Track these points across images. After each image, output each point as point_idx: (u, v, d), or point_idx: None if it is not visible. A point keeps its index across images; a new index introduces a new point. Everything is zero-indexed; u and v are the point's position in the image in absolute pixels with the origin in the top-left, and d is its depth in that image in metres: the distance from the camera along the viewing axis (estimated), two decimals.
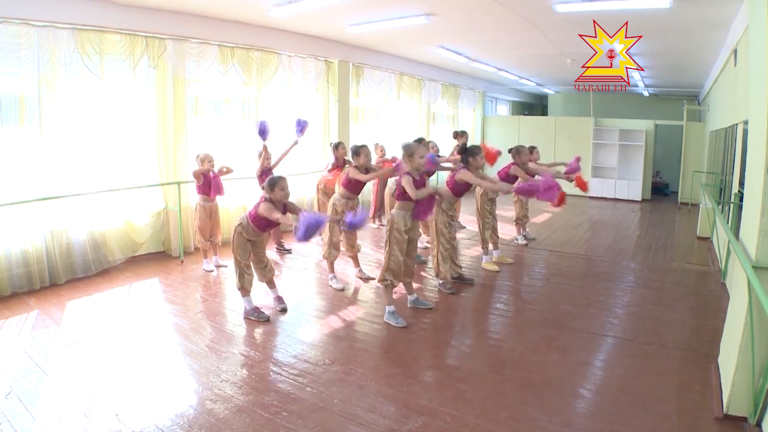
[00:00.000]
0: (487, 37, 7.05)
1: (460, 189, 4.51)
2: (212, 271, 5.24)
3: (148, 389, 2.94)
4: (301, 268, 5.49)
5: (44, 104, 4.63)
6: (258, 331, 3.81)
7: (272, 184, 3.71)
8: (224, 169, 5.30)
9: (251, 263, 4.03)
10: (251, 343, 3.63)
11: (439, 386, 3.02)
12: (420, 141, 5.57)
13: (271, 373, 3.17)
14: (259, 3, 5.28)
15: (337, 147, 6.00)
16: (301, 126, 5.75)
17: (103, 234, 5.20)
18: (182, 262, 5.60)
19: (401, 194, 3.83)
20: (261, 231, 3.92)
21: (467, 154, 4.39)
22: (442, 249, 4.58)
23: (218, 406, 2.76)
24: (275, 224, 3.93)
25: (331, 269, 4.87)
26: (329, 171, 6.07)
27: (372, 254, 5.99)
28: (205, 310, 4.27)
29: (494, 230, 5.60)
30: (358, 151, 4.64)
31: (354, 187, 4.70)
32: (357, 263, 5.09)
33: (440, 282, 4.70)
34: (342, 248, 4.90)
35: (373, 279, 4.99)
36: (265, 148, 5.51)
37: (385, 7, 5.51)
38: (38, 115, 4.62)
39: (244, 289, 4.00)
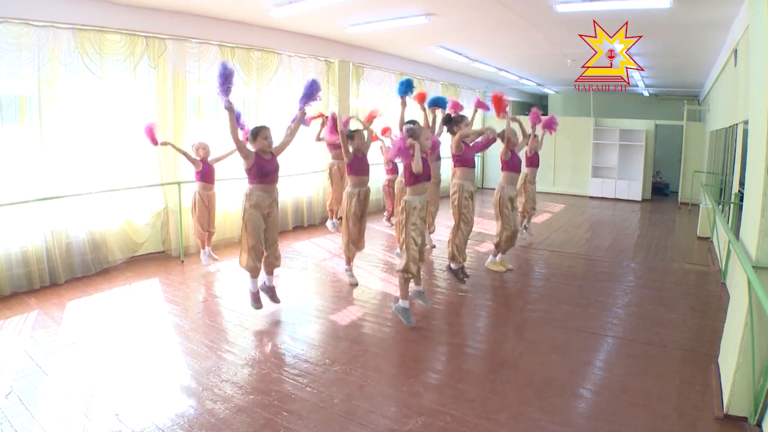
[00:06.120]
0: (487, 37, 7.04)
1: (465, 158, 4.45)
2: (208, 265, 5.26)
3: (148, 389, 2.94)
4: (300, 268, 5.49)
5: (44, 104, 4.63)
6: (258, 331, 3.82)
7: (254, 133, 3.78)
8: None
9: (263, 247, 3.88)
10: (251, 343, 3.63)
11: (439, 386, 3.02)
12: (414, 123, 5.56)
13: (271, 373, 3.17)
14: (259, 3, 5.28)
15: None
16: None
17: (103, 234, 5.20)
18: (182, 262, 5.60)
19: (411, 177, 3.69)
20: (266, 182, 3.82)
21: (452, 123, 4.49)
22: (461, 234, 4.50)
23: (218, 406, 2.76)
24: (273, 172, 3.85)
25: (348, 263, 4.86)
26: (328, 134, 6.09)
27: (380, 256, 5.98)
28: (205, 310, 4.27)
29: (512, 235, 5.25)
30: (351, 135, 4.63)
31: (357, 166, 4.62)
32: (350, 261, 4.94)
33: (454, 266, 4.64)
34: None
35: (356, 285, 4.82)
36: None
37: (385, 7, 5.51)
38: (38, 115, 4.62)
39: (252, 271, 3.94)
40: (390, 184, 6.60)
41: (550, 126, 6.33)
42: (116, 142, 5.33)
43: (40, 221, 4.69)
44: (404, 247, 3.75)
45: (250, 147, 3.80)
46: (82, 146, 5.02)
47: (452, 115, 4.61)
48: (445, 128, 4.89)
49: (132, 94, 5.43)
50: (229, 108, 3.58)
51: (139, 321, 3.98)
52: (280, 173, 3.99)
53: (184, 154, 5.15)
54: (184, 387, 2.98)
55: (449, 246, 4.67)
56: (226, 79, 3.50)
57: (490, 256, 5.46)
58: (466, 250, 4.78)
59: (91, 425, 2.56)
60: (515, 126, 5.54)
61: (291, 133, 4.01)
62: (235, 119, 3.69)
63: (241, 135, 3.93)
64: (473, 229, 4.76)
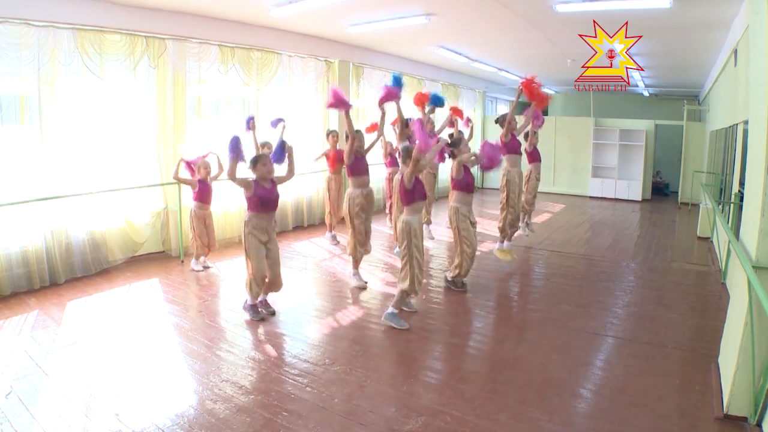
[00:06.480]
0: (487, 37, 7.05)
1: (464, 183, 4.46)
2: (200, 271, 5.27)
3: (148, 389, 2.94)
4: (300, 268, 5.49)
5: (44, 104, 4.63)
6: (258, 331, 3.81)
7: (254, 161, 3.84)
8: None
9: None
10: (251, 343, 3.64)
11: (439, 386, 3.02)
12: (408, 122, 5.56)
13: (271, 373, 3.17)
14: (259, 3, 5.28)
15: (329, 135, 6.50)
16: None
17: (103, 234, 5.19)
18: (182, 262, 5.59)
19: (407, 196, 3.74)
20: (265, 211, 3.86)
21: (453, 146, 4.52)
22: (465, 256, 4.47)
23: (218, 406, 2.76)
24: (273, 201, 3.90)
25: (355, 266, 4.85)
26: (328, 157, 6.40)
27: (380, 256, 5.96)
28: (205, 310, 4.27)
29: (513, 221, 5.65)
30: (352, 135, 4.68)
31: (357, 167, 4.68)
32: (358, 264, 4.96)
33: (450, 276, 4.65)
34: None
35: (364, 288, 4.80)
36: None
37: (385, 7, 5.51)
38: (38, 115, 4.62)
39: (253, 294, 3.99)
40: (390, 177, 6.64)
41: (537, 118, 6.43)
42: (116, 143, 5.33)
43: (40, 221, 4.69)
44: (408, 268, 3.74)
45: (248, 176, 3.85)
46: (82, 146, 5.01)
47: (451, 140, 4.66)
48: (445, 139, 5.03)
49: (132, 94, 5.43)
50: (236, 159, 3.76)
51: (139, 321, 3.98)
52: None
53: (179, 179, 5.17)
54: (184, 387, 2.98)
55: (451, 264, 4.73)
56: (237, 150, 3.76)
57: (498, 243, 5.67)
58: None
59: (91, 425, 2.56)
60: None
61: (290, 170, 4.07)
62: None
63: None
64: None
